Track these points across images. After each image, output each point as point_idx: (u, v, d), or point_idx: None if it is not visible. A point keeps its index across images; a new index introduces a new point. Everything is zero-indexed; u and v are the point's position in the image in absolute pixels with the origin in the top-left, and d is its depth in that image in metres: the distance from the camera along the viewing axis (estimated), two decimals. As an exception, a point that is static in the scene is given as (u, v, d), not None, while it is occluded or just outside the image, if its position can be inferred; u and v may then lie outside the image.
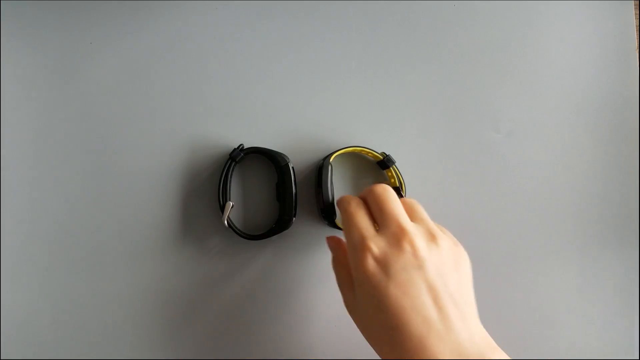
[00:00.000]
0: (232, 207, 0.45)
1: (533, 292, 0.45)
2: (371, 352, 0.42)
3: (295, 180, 0.45)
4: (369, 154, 0.47)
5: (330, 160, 0.45)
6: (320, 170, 0.45)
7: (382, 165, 0.47)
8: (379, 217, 0.38)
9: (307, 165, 0.47)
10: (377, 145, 0.47)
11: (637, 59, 0.49)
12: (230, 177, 0.46)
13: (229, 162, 0.46)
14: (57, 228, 0.46)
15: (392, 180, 0.47)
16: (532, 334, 0.43)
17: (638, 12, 0.50)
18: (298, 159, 0.47)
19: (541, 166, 0.48)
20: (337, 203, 0.42)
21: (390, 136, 0.48)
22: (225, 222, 0.45)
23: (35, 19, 0.49)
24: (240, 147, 0.46)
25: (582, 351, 0.45)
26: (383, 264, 0.34)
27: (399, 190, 0.46)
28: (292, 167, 0.46)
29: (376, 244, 0.35)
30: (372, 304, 0.34)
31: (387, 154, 0.46)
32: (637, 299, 0.45)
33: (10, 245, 0.46)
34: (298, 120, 0.48)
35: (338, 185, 0.48)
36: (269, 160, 0.46)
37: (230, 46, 0.49)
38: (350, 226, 0.37)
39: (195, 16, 0.49)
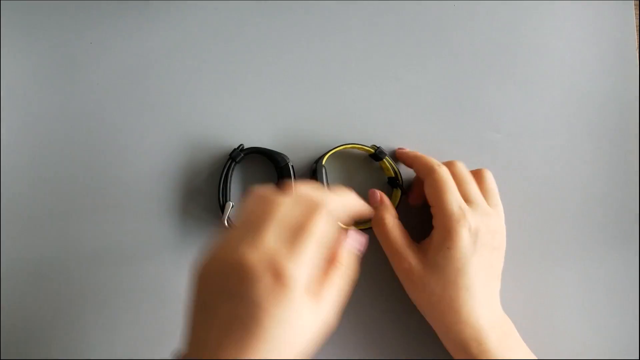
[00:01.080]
0: (232, 207, 0.45)
1: (532, 292, 0.45)
2: (371, 351, 0.44)
3: (295, 180, 0.45)
4: (361, 149, 0.46)
5: (323, 162, 0.45)
6: (314, 174, 0.45)
7: (376, 158, 0.46)
8: (465, 192, 0.42)
9: (308, 166, 0.47)
10: (377, 144, 0.47)
11: (637, 59, 0.49)
12: (230, 177, 0.46)
13: (229, 162, 0.46)
14: (56, 227, 0.46)
15: (387, 171, 0.47)
16: (531, 334, 0.43)
17: (638, 12, 0.50)
18: (298, 159, 0.47)
19: (541, 166, 0.48)
20: (422, 166, 0.43)
21: (390, 135, 0.48)
22: (225, 222, 0.45)
23: (35, 18, 0.49)
24: (240, 147, 0.46)
25: (582, 351, 0.45)
26: (474, 236, 0.39)
27: (394, 181, 0.46)
28: (292, 167, 0.46)
29: (473, 218, 0.40)
30: (453, 267, 0.39)
31: (378, 146, 0.46)
32: (637, 299, 0.45)
33: (10, 245, 0.46)
34: (298, 120, 0.48)
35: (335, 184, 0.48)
36: (269, 161, 0.46)
37: (230, 46, 0.49)
38: (447, 193, 0.40)
39: (195, 16, 0.49)
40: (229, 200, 0.46)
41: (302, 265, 0.29)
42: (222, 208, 0.45)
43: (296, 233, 0.30)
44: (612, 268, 0.46)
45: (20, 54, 0.48)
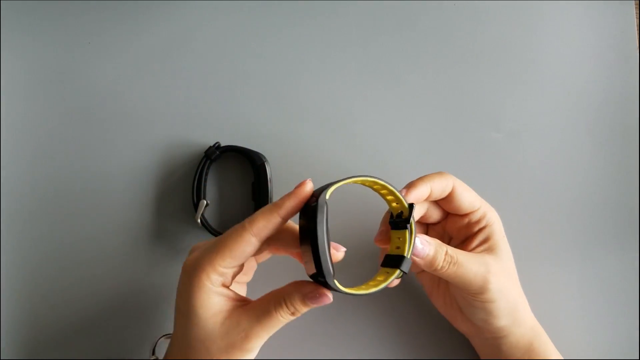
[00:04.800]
0: (206, 205, 0.45)
1: (533, 292, 0.45)
2: (362, 352, 0.44)
3: (271, 180, 0.45)
4: (385, 192, 0.35)
5: (327, 196, 0.33)
6: (311, 213, 0.32)
7: (398, 225, 0.36)
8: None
9: (284, 165, 0.47)
10: (375, 145, 0.47)
11: (638, 59, 0.49)
12: (206, 175, 0.46)
13: (204, 160, 0.45)
14: (50, 227, 0.47)
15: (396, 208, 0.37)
16: None
17: (638, 12, 0.50)
18: (275, 158, 0.47)
19: (541, 166, 0.48)
20: (439, 181, 0.38)
21: (389, 136, 0.48)
22: (199, 220, 0.44)
23: (34, 19, 0.50)
24: (217, 145, 0.46)
25: (582, 351, 0.45)
26: None
27: (404, 221, 0.36)
28: (269, 167, 0.45)
29: None
30: (509, 251, 0.41)
31: (411, 203, 0.35)
32: (637, 299, 0.45)
33: (7, 244, 0.46)
34: (277, 120, 0.48)
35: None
36: (246, 159, 0.46)
37: (226, 46, 0.50)
38: (473, 191, 0.41)
39: (187, 18, 0.50)
40: (204, 198, 0.45)
41: (209, 304, 0.33)
42: (196, 206, 0.45)
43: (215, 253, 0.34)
44: (612, 268, 0.46)
45: (19, 54, 0.49)
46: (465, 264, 0.37)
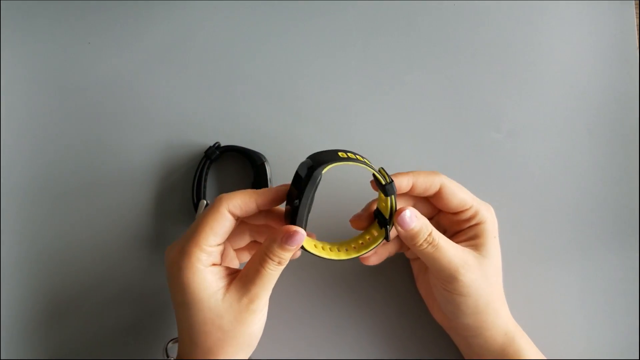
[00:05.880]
0: (206, 205, 0.44)
1: (533, 293, 0.45)
2: (358, 352, 0.45)
3: (271, 180, 0.45)
4: (370, 171, 0.37)
5: (323, 172, 0.35)
6: (304, 180, 0.35)
7: (382, 190, 0.37)
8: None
9: (283, 165, 0.47)
10: (375, 146, 0.47)
11: (638, 59, 0.49)
12: (206, 175, 0.46)
13: (204, 160, 0.45)
14: (47, 227, 0.47)
15: (383, 208, 0.39)
16: (532, 334, 0.42)
17: (638, 12, 0.50)
18: (275, 158, 0.47)
19: (541, 166, 0.48)
20: (425, 180, 0.39)
21: (388, 136, 0.48)
22: None
23: (34, 19, 0.50)
24: (217, 145, 0.46)
25: (582, 351, 0.45)
26: None
27: (385, 222, 0.38)
28: (269, 167, 0.45)
29: None
30: (499, 253, 0.40)
31: (391, 179, 0.36)
32: (637, 299, 0.45)
33: (6, 245, 0.47)
34: (277, 120, 0.48)
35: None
36: (246, 159, 0.46)
37: (226, 46, 0.50)
38: (466, 190, 0.40)
39: (187, 18, 0.50)
40: (204, 198, 0.45)
41: (195, 271, 0.35)
42: (196, 206, 0.45)
43: (189, 238, 0.36)
44: (612, 268, 0.46)
45: (19, 54, 0.50)
46: (443, 250, 0.37)
